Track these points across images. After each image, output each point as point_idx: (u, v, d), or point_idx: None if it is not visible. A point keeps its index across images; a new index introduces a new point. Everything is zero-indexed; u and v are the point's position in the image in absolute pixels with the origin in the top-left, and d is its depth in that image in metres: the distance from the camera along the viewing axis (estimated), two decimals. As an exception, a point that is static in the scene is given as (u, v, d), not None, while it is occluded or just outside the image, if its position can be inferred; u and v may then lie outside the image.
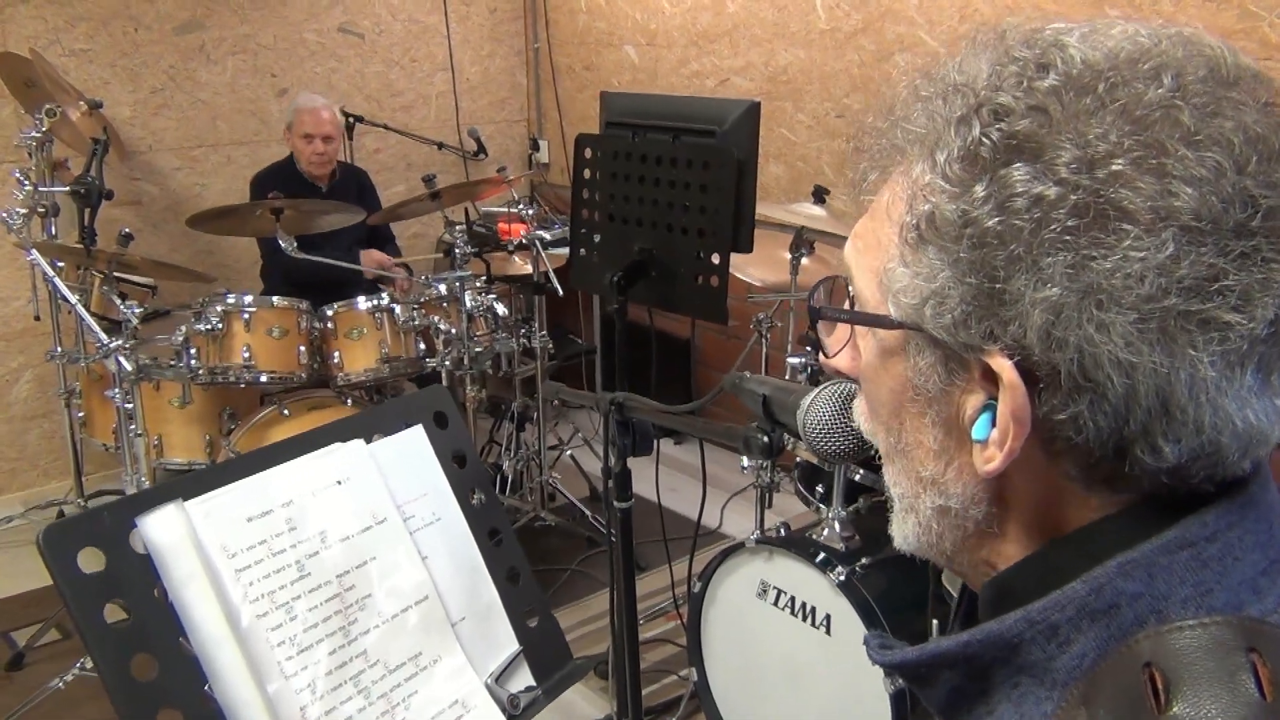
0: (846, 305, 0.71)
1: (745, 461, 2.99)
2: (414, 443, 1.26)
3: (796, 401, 0.89)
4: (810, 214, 2.92)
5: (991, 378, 0.62)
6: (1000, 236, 0.59)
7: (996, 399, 0.62)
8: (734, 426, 1.06)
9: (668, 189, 2.48)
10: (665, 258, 2.50)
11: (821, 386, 0.90)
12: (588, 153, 2.67)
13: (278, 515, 1.10)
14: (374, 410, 1.26)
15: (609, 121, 2.71)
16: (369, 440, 1.23)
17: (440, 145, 5.25)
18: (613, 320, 2.58)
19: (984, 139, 0.61)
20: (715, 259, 2.41)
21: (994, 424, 0.63)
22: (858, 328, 0.72)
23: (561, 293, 3.67)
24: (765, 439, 0.98)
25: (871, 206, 0.69)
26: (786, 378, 2.73)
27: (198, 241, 4.66)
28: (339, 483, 1.17)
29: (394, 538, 1.18)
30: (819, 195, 2.96)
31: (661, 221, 2.49)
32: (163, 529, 1.01)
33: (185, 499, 1.02)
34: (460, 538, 1.24)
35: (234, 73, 4.71)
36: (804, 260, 2.93)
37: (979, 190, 0.60)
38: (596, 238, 2.66)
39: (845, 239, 0.76)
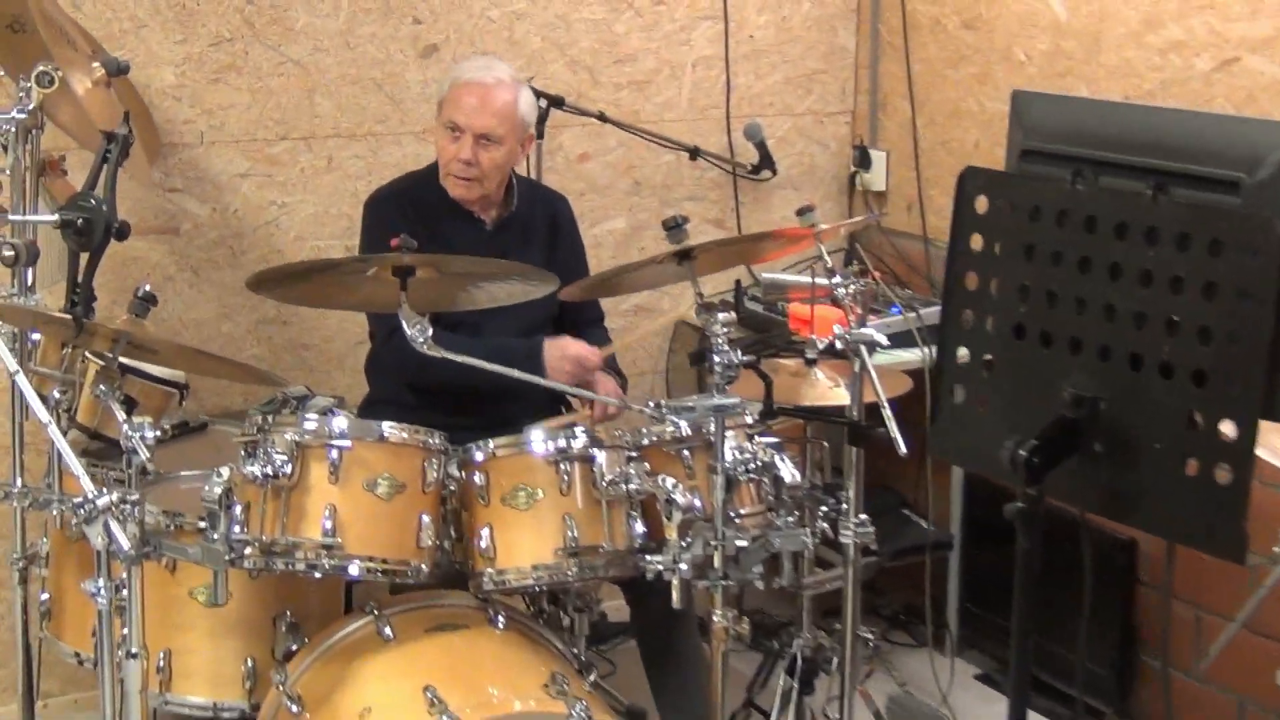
0: None
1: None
2: None
3: None
4: None
5: None
6: None
7: None
8: None
9: (1136, 287, 2.41)
10: (1123, 417, 2.43)
11: None
12: (981, 204, 2.63)
13: None
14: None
15: (1028, 148, 2.70)
16: None
17: (695, 152, 5.25)
18: (988, 494, 2.48)
19: None
20: (1228, 431, 2.31)
21: None
22: None
23: (905, 450, 3.47)
24: None
25: None
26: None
27: (264, 307, 4.74)
28: None
29: None
30: None
31: (1121, 347, 2.42)
32: None
33: None
34: None
35: (351, 15, 4.81)
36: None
37: None
38: (986, 362, 2.63)
39: None
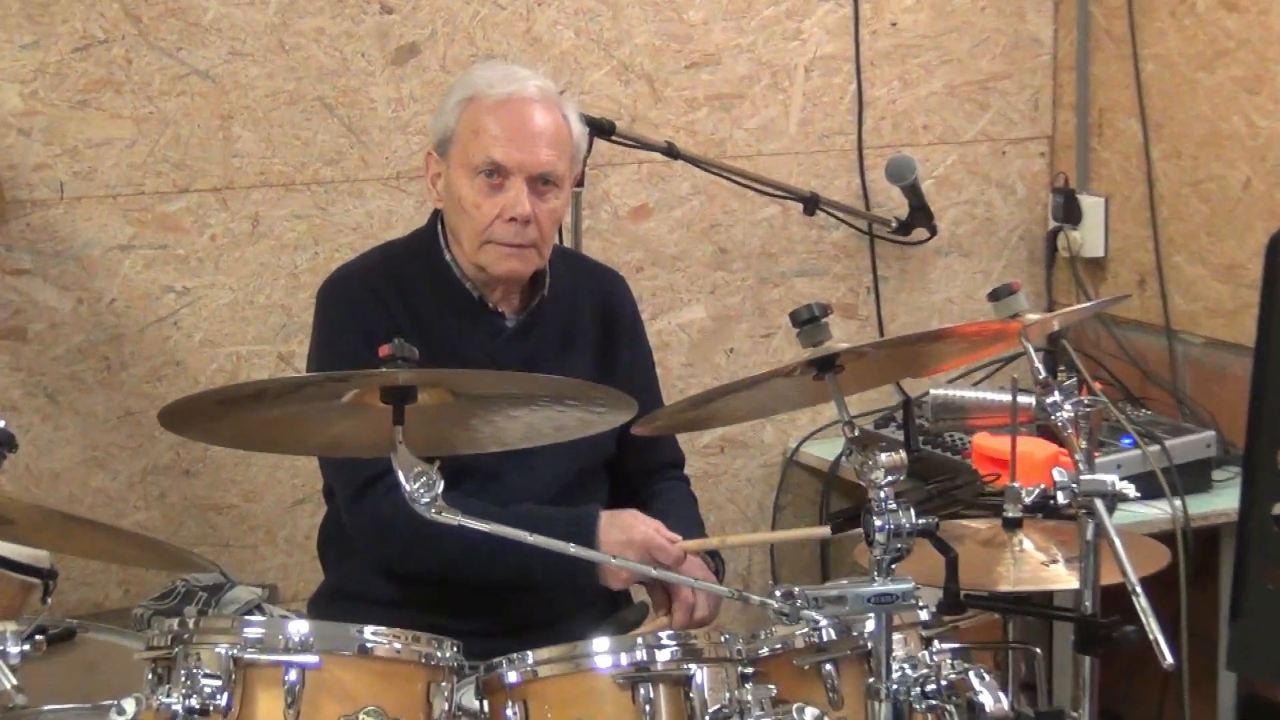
0: None
1: None
2: None
3: None
4: None
5: None
6: None
7: None
8: None
9: None
10: None
11: None
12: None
13: None
14: None
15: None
16: None
17: (811, 203, 5.26)
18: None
19: None
20: None
21: None
22: None
23: (1170, 661, 3.45)
24: None
25: None
26: None
27: (155, 448, 4.77)
28: None
29: None
30: None
31: None
32: None
33: None
34: None
35: (284, 2, 4.86)
36: None
37: None
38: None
39: None
